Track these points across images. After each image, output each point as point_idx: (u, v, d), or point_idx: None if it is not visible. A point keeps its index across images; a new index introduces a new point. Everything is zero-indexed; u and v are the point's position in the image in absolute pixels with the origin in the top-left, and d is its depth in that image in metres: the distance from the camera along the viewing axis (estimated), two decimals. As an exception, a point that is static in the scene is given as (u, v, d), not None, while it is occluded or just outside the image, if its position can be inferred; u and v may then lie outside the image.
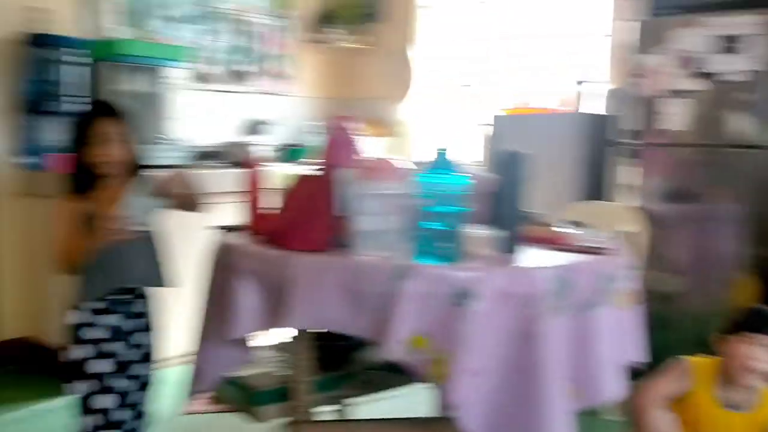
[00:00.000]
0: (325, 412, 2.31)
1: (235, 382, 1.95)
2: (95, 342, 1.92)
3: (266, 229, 1.88)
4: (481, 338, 1.55)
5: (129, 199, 1.85)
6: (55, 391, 2.92)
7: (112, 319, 1.93)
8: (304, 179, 1.83)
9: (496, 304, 1.56)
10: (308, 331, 1.78)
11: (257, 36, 4.36)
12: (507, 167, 1.78)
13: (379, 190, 1.65)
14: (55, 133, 3.16)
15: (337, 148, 1.91)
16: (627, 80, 3.33)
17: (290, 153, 4.30)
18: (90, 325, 1.91)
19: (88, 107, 2.02)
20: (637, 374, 1.92)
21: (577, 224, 2.05)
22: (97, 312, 1.92)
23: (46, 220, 3.12)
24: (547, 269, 1.65)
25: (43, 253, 3.16)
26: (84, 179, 1.88)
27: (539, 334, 1.58)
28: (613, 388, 1.76)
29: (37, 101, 3.15)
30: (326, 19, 4.66)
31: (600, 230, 2.04)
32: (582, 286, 1.68)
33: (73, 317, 1.93)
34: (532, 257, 1.76)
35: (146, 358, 2.04)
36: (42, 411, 2.77)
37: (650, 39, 3.21)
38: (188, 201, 1.97)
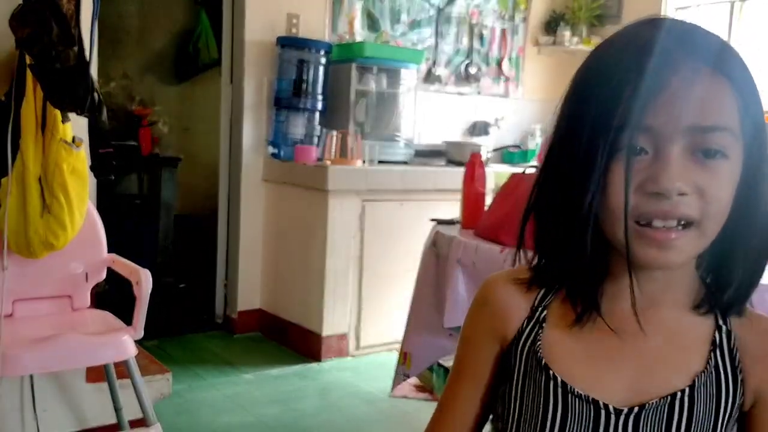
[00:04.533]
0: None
1: (442, 371, 2.01)
2: None
3: (482, 224, 1.92)
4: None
5: None
6: (285, 359, 3.25)
7: None
8: (519, 178, 1.84)
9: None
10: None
11: (486, 38, 4.42)
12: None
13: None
14: (299, 127, 3.49)
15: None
16: None
17: (510, 154, 4.31)
18: None
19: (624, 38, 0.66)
20: None
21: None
22: None
23: (289, 206, 3.47)
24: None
25: (283, 236, 3.51)
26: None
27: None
28: None
29: (285, 98, 3.50)
30: (556, 21, 4.59)
31: None
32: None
33: None
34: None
35: None
36: (272, 376, 3.08)
37: None
38: None
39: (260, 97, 3.56)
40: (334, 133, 3.32)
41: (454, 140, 4.09)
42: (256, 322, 3.62)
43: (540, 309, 0.71)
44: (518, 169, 1.93)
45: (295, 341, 3.38)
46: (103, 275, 2.18)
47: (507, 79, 4.54)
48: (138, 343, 1.97)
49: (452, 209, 2.32)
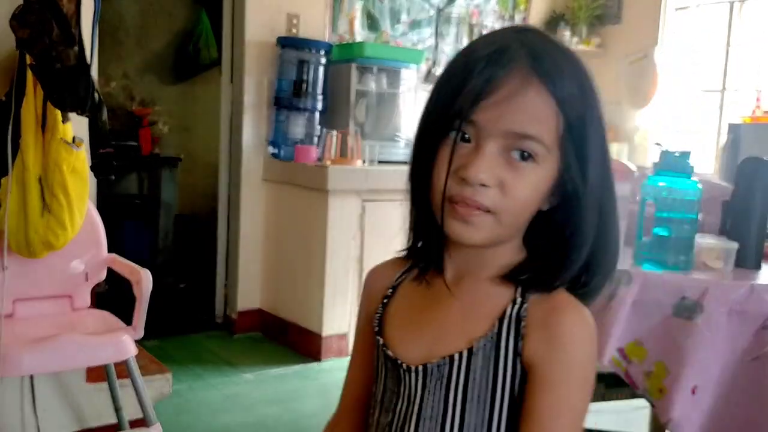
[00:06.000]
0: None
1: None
2: None
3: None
4: (705, 355, 1.45)
5: None
6: (286, 359, 3.25)
7: None
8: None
9: (726, 320, 1.45)
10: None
11: (486, 39, 4.42)
12: (751, 176, 1.64)
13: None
14: (299, 127, 3.49)
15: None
16: None
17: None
18: None
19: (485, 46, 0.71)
20: None
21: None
22: None
23: (289, 206, 3.47)
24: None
25: (283, 236, 3.51)
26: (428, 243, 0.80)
27: (776, 358, 1.44)
28: None
29: (285, 97, 3.49)
30: (556, 21, 4.59)
31: None
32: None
33: None
34: (772, 275, 1.60)
35: None
36: (272, 376, 3.08)
37: None
38: None
39: (260, 97, 3.56)
40: (334, 133, 3.32)
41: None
42: (256, 322, 3.62)
43: (396, 286, 0.82)
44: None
45: (295, 341, 3.38)
46: (103, 275, 2.18)
47: (507, 79, 4.54)
48: (138, 343, 1.97)
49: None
